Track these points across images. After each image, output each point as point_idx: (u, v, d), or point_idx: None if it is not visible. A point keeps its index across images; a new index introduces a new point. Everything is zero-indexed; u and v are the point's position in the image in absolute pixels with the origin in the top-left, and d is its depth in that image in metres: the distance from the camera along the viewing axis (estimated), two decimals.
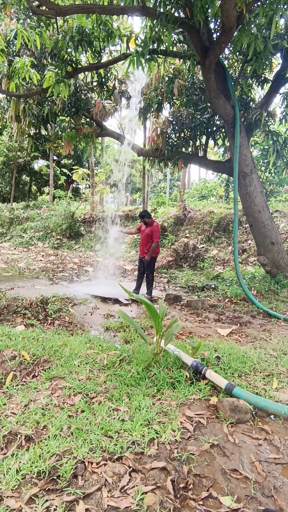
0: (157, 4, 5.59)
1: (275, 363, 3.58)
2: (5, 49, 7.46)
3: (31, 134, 10.72)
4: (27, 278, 8.14)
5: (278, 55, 7.22)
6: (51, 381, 2.99)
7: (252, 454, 2.25)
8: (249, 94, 8.04)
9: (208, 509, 1.81)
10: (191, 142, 9.17)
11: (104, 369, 3.26)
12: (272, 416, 2.68)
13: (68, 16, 6.47)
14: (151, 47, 6.12)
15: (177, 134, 9.01)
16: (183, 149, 9.10)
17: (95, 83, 9.08)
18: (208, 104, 7.93)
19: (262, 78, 7.67)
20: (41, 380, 3.00)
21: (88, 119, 9.48)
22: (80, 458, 2.09)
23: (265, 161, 11.71)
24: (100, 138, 15.07)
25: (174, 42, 6.88)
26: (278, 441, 2.40)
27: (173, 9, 5.72)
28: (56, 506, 1.75)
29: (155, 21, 5.64)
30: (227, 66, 7.73)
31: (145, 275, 6.89)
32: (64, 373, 3.10)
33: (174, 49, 7.63)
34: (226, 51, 7.74)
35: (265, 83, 7.78)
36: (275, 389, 3.07)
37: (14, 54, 7.88)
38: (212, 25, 6.71)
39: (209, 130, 8.72)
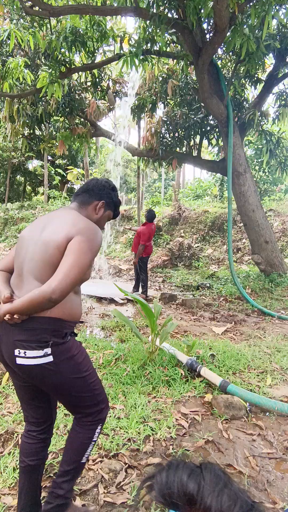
0: (150, 5, 5.62)
1: (269, 360, 3.62)
2: None
3: (25, 134, 10.69)
4: None
5: (271, 55, 7.28)
6: None
7: (246, 449, 2.29)
8: (242, 94, 8.09)
9: None
10: (185, 142, 9.21)
11: (100, 368, 3.28)
12: (266, 413, 2.72)
13: (61, 17, 6.48)
14: (144, 47, 6.14)
15: (171, 134, 9.04)
16: (177, 149, 9.14)
17: (89, 83, 9.08)
18: (202, 104, 7.97)
19: (255, 78, 7.73)
20: None
21: (82, 119, 9.48)
22: None
23: (259, 160, 11.78)
24: (94, 138, 15.06)
25: (168, 42, 6.90)
26: (272, 436, 2.44)
27: (166, 10, 5.74)
28: None
29: (149, 21, 5.66)
30: (220, 66, 7.77)
31: (139, 274, 6.94)
32: None
33: (168, 49, 7.65)
34: (219, 51, 7.79)
35: (258, 83, 7.84)
36: (269, 386, 3.12)
37: (8, 54, 7.85)
38: (205, 26, 6.75)
39: (203, 130, 8.76)
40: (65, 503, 1.50)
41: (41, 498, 1.60)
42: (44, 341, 1.35)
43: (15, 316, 1.31)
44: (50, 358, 1.36)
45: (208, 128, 8.81)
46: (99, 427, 1.54)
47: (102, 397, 1.54)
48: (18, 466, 1.90)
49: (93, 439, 1.52)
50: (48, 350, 1.35)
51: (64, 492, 1.49)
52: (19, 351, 1.34)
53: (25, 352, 1.34)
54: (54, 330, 1.38)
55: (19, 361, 1.35)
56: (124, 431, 2.35)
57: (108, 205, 1.69)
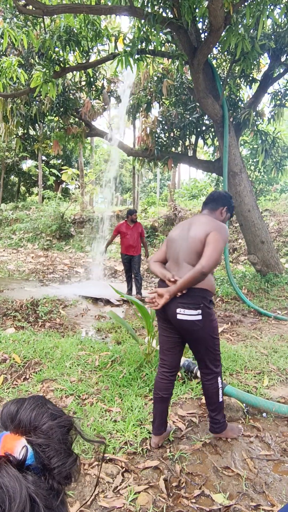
0: (145, 4, 5.59)
1: (265, 361, 3.61)
2: None
3: (19, 134, 10.61)
4: (17, 280, 8.07)
5: (266, 55, 7.27)
6: (42, 383, 2.97)
7: (244, 451, 2.27)
8: (238, 94, 8.08)
9: (201, 507, 1.82)
10: (180, 141, 9.18)
11: (96, 370, 3.25)
12: (264, 414, 2.71)
13: (55, 16, 6.43)
14: (139, 47, 6.10)
15: (167, 134, 9.02)
16: (173, 149, 9.11)
17: (83, 83, 9.03)
18: (197, 104, 7.96)
19: (250, 78, 7.72)
20: (32, 383, 2.98)
21: (77, 119, 9.43)
22: None
23: (255, 160, 11.80)
24: (89, 138, 14.98)
25: (162, 42, 6.87)
26: (269, 438, 2.42)
27: (161, 9, 5.72)
28: None
29: (143, 21, 5.63)
30: (215, 66, 7.76)
31: (134, 275, 6.90)
32: (56, 375, 3.09)
33: (163, 49, 7.62)
34: (214, 51, 7.77)
35: (253, 83, 7.83)
36: (266, 387, 3.10)
37: (1, 53, 7.78)
38: (200, 25, 6.73)
39: (198, 129, 8.75)
40: (223, 424, 2.31)
41: (167, 419, 2.33)
42: (198, 303, 2.04)
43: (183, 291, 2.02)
44: (199, 317, 2.04)
45: (204, 128, 8.80)
46: (219, 379, 2.23)
47: (219, 357, 2.25)
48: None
49: (220, 387, 2.23)
50: (199, 311, 2.03)
51: (219, 419, 2.28)
52: (179, 309, 2.03)
53: (184, 310, 2.02)
54: (204, 297, 2.07)
55: (179, 316, 2.04)
56: (121, 434, 2.32)
57: (229, 209, 2.37)
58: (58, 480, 0.57)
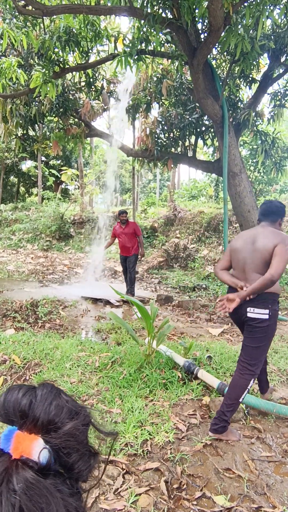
0: (145, 4, 5.59)
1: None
2: None
3: (19, 135, 10.60)
4: (16, 281, 8.05)
5: (265, 55, 7.27)
6: None
7: (245, 452, 2.26)
8: (237, 94, 8.09)
9: (202, 509, 1.81)
10: (180, 142, 9.18)
11: (96, 371, 3.24)
12: (265, 415, 2.70)
13: (54, 16, 6.42)
14: (139, 47, 6.09)
15: (166, 134, 9.01)
16: (173, 149, 9.11)
17: (83, 83, 9.03)
18: (197, 104, 7.96)
19: (250, 78, 7.72)
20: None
21: (76, 120, 9.42)
22: None
23: (254, 160, 11.79)
24: (88, 138, 14.97)
25: (162, 42, 6.87)
26: (270, 439, 2.41)
27: (161, 9, 5.71)
28: None
29: (143, 21, 5.63)
30: (215, 66, 7.76)
31: (128, 274, 6.89)
32: (56, 376, 3.07)
33: (162, 49, 7.62)
34: (214, 51, 7.77)
35: (253, 83, 7.84)
36: None
37: (0, 54, 7.78)
38: (199, 26, 6.73)
39: (198, 130, 8.75)
40: (226, 425, 2.36)
41: (267, 379, 2.84)
42: (267, 304, 2.29)
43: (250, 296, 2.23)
44: (266, 316, 2.28)
45: (203, 128, 8.79)
46: (252, 380, 2.34)
47: (262, 359, 2.40)
48: None
49: (248, 386, 2.33)
50: (267, 311, 2.28)
51: (227, 418, 2.34)
52: (249, 308, 2.29)
53: (254, 309, 2.29)
54: (272, 300, 2.32)
55: (249, 314, 2.30)
56: (121, 436, 2.31)
57: (282, 219, 2.54)
58: (80, 481, 0.54)
